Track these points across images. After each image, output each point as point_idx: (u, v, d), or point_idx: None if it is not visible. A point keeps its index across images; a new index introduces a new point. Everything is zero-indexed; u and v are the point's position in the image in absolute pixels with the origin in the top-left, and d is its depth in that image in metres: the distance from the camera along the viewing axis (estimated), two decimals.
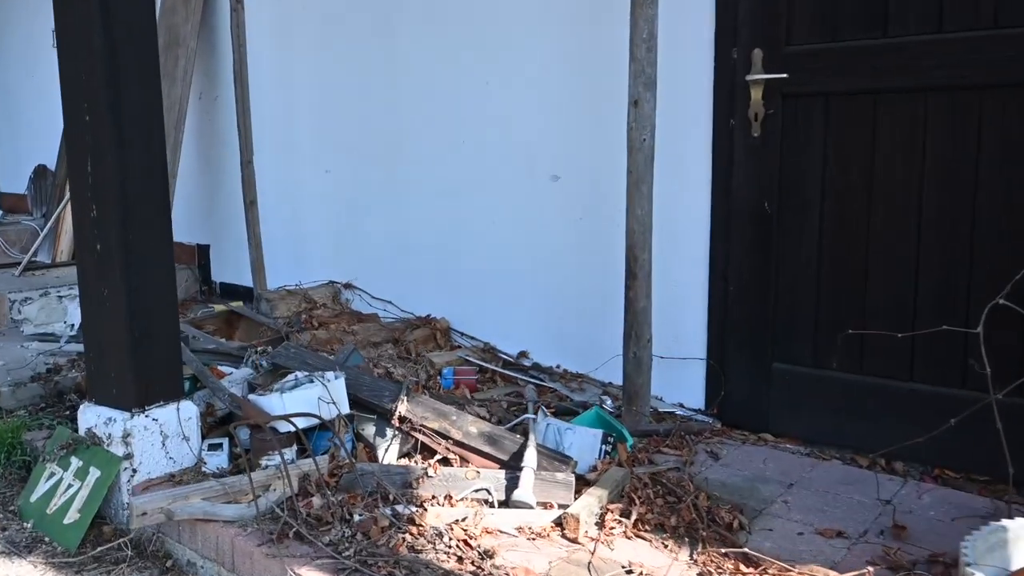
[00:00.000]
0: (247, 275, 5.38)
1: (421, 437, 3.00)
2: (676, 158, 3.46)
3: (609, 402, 3.65)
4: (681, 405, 3.62)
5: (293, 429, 2.91)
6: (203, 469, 3.02)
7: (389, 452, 3.04)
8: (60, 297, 4.49)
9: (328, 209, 5.01)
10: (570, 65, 3.86)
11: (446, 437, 2.97)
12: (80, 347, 4.28)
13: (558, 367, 4.03)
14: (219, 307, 5.24)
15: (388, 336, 4.32)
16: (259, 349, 3.85)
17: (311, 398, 2.95)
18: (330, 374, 3.10)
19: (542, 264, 4.06)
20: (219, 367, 3.70)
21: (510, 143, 4.11)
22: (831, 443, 3.19)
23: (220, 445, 3.14)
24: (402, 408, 3.03)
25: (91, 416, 3.03)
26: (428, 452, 3.03)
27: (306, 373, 3.11)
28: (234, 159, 5.29)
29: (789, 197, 3.22)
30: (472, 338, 4.38)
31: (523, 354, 4.17)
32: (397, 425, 3.01)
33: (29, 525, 3.01)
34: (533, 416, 3.17)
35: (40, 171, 6.67)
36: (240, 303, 5.37)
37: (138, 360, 2.93)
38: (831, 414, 3.19)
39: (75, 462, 3.03)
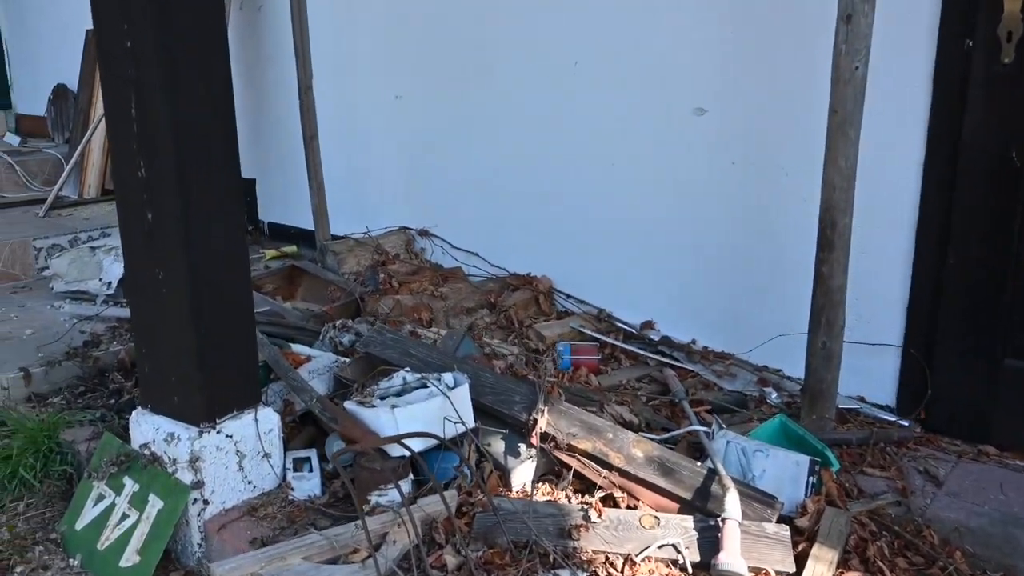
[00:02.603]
0: (300, 215, 4.66)
1: (571, 461, 2.33)
2: (877, 91, 2.65)
3: (774, 395, 2.97)
4: (862, 399, 2.93)
5: (407, 454, 2.25)
6: (290, 496, 2.38)
7: (524, 475, 2.39)
8: (93, 248, 3.82)
9: (398, 142, 4.24)
10: None
11: (604, 463, 2.30)
12: (122, 312, 3.62)
13: (694, 343, 3.33)
14: (270, 253, 4.56)
15: (482, 300, 3.62)
16: (338, 324, 3.17)
17: (430, 414, 2.27)
18: (448, 377, 2.42)
19: (677, 217, 3.32)
20: (291, 347, 3.04)
21: (639, 64, 3.30)
22: None
23: (307, 461, 2.50)
24: (543, 422, 2.35)
25: (147, 428, 2.38)
26: (571, 474, 2.37)
27: (418, 376, 2.43)
28: (284, 82, 4.50)
29: None
30: (581, 302, 3.67)
31: (648, 325, 3.47)
32: (538, 444, 2.34)
33: (76, 562, 2.41)
34: (705, 429, 2.49)
35: (60, 91, 5.91)
36: (294, 247, 4.69)
37: (206, 362, 2.26)
38: None
39: (129, 484, 2.40)
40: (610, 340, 3.38)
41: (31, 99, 6.46)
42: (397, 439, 2.22)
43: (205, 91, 2.13)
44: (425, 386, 2.41)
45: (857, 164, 2.48)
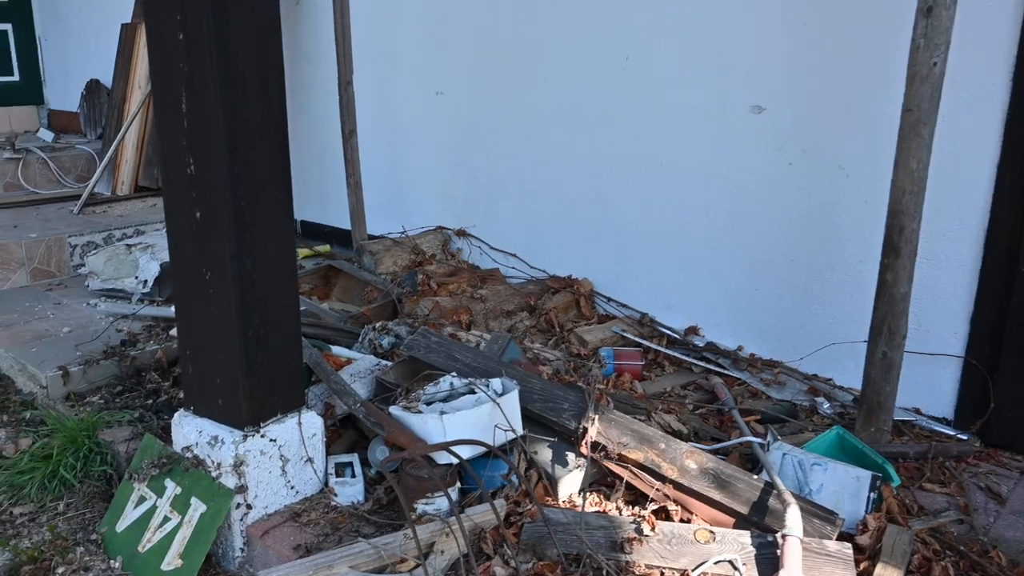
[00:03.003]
0: (335, 213, 4.63)
1: (622, 472, 2.26)
2: (949, 87, 2.55)
3: (826, 405, 2.88)
4: (918, 411, 2.84)
5: (455, 461, 2.19)
6: (333, 502, 2.33)
7: (571, 484, 2.32)
8: (129, 246, 3.79)
9: (437, 139, 4.19)
10: None
11: (656, 474, 2.23)
12: (158, 310, 3.60)
13: (740, 350, 3.25)
14: (303, 251, 4.52)
15: (522, 302, 3.56)
16: (377, 326, 3.12)
17: (479, 421, 2.21)
18: (496, 383, 2.36)
19: (727, 220, 3.24)
20: (331, 349, 2.99)
21: (694, 60, 3.22)
22: None
23: (349, 466, 2.45)
24: (593, 431, 2.29)
25: (190, 431, 2.34)
26: (623, 485, 2.30)
27: (465, 382, 2.37)
28: (321, 77, 4.47)
29: None
30: (623, 305, 3.60)
31: (692, 330, 3.39)
32: (589, 454, 2.28)
33: (117, 564, 2.36)
34: (760, 440, 2.41)
35: (93, 87, 5.91)
36: (327, 246, 4.65)
37: (252, 365, 2.21)
38: None
39: (171, 487, 2.36)
40: (653, 345, 3.31)
41: (63, 94, 6.48)
42: (445, 446, 2.16)
43: (260, 86, 2.08)
44: (473, 392, 2.35)
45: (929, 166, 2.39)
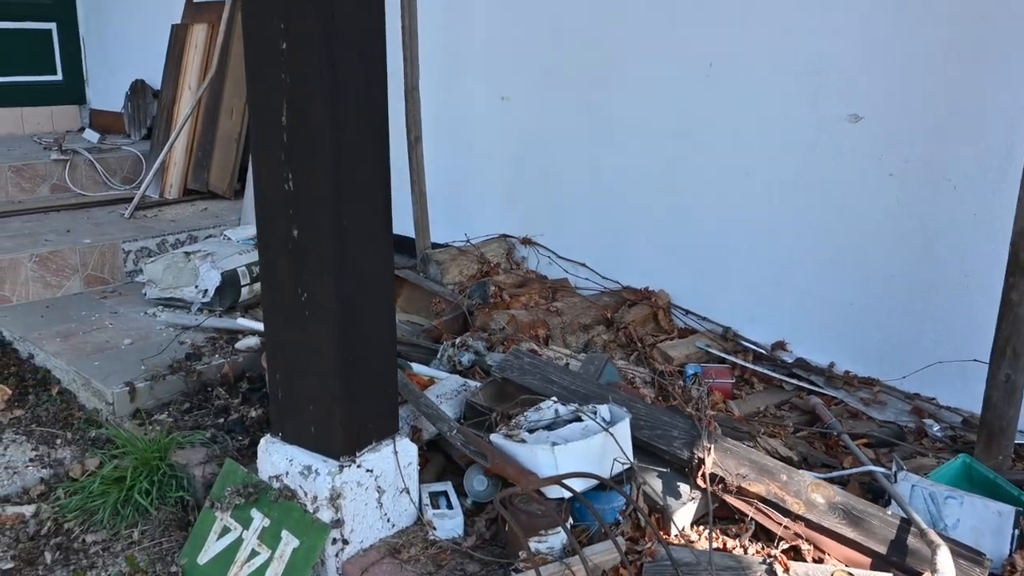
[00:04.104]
0: (397, 222, 4.36)
1: (742, 506, 2.12)
2: None
3: (935, 428, 2.72)
4: None
5: (566, 495, 2.05)
6: (431, 536, 2.20)
7: (684, 518, 2.18)
8: (188, 254, 3.68)
9: (502, 145, 4.05)
10: None
11: (781, 509, 2.08)
12: (221, 322, 3.48)
13: (832, 367, 3.10)
14: None
15: (598, 315, 3.41)
16: (457, 342, 2.99)
17: (592, 451, 2.07)
18: (604, 410, 2.22)
19: (818, 231, 3.08)
20: (411, 367, 2.86)
21: (784, 66, 3.07)
22: None
23: (443, 495, 2.31)
24: (710, 461, 2.14)
25: (279, 459, 2.21)
26: (752, 523, 2.15)
27: (571, 409, 2.23)
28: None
29: None
30: (702, 319, 3.45)
31: (780, 345, 3.24)
32: (708, 487, 2.13)
33: None
34: (883, 470, 2.26)
35: (138, 87, 5.81)
36: None
37: (349, 391, 2.08)
38: None
39: (258, 518, 2.23)
40: (741, 362, 3.16)
41: (105, 94, 6.38)
42: (559, 479, 2.02)
43: (364, 97, 1.95)
44: (579, 419, 2.21)
45: None
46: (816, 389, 2.99)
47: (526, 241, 3.99)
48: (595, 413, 2.19)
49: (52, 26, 6.18)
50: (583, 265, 3.80)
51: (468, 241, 4.00)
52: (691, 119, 3.36)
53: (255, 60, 1.94)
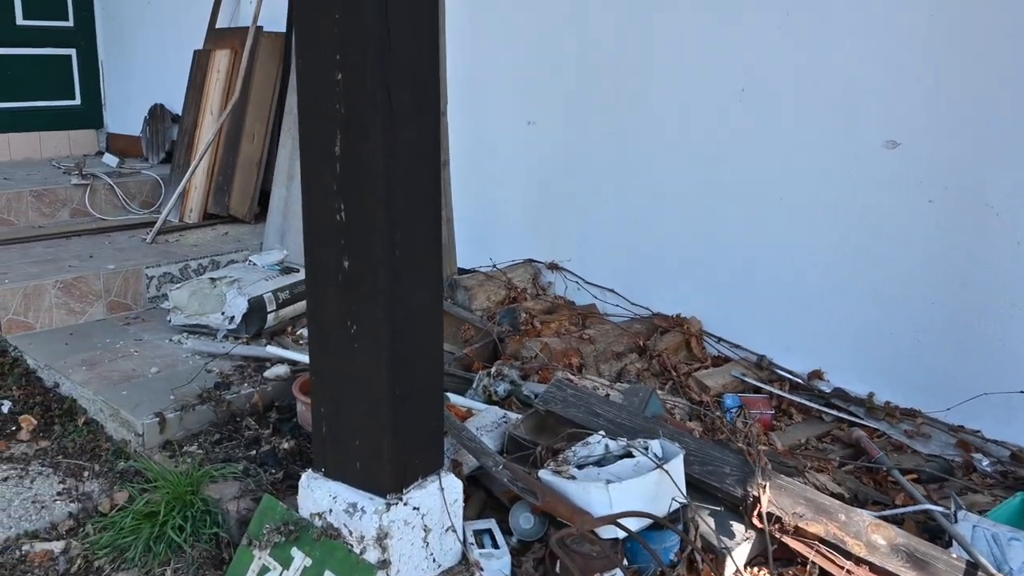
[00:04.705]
0: None
1: (800, 548, 2.06)
2: None
3: (984, 462, 2.67)
4: None
5: (621, 535, 2.00)
6: None
7: (738, 558, 2.12)
8: (213, 280, 3.64)
9: (528, 170, 4.02)
10: None
11: (840, 550, 2.02)
12: (249, 350, 3.43)
13: (872, 397, 3.04)
14: None
15: (631, 343, 3.37)
16: (492, 371, 2.94)
17: (647, 489, 2.02)
18: (656, 445, 2.17)
19: (856, 259, 3.04)
20: (448, 398, 2.81)
21: (818, 91, 3.05)
22: None
23: (487, 533, 2.26)
24: (765, 499, 2.09)
25: (321, 496, 2.16)
26: (816, 569, 2.10)
27: (622, 444, 2.18)
28: None
29: None
30: (735, 346, 3.40)
31: (816, 374, 3.19)
32: (765, 527, 2.07)
33: None
34: (942, 509, 2.20)
35: (156, 111, 5.79)
36: None
37: (398, 425, 2.03)
38: None
39: (299, 557, 2.17)
40: (777, 391, 3.11)
41: (122, 118, 6.37)
42: (614, 519, 1.97)
43: (419, 130, 1.92)
44: (630, 455, 2.16)
45: None
46: (857, 420, 2.94)
47: (553, 266, 3.95)
48: (647, 449, 2.14)
49: (72, 52, 6.19)
50: (611, 291, 3.76)
51: (494, 266, 3.96)
52: (722, 144, 3.33)
53: (309, 90, 1.91)
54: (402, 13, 1.83)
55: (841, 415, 2.98)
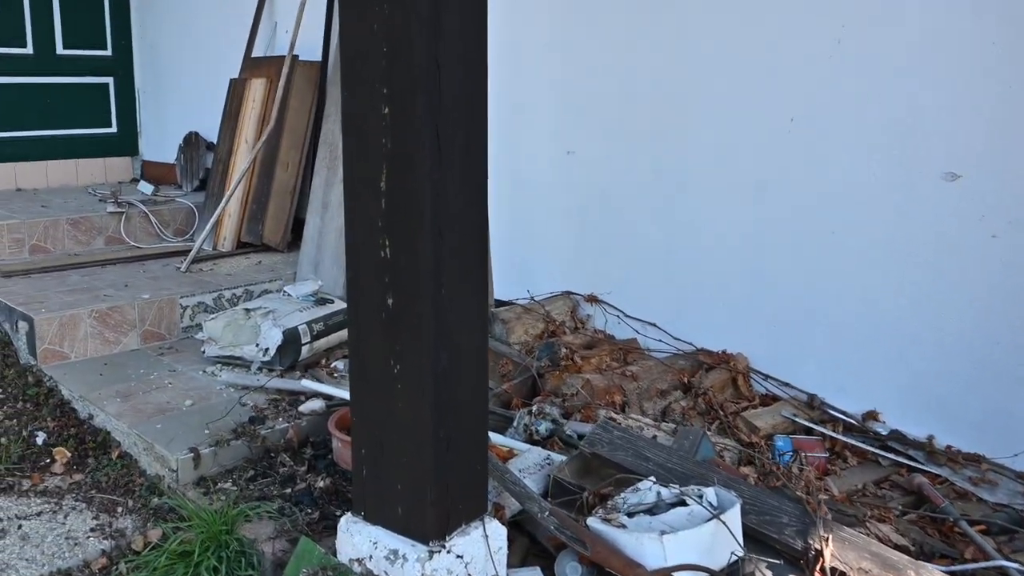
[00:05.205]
0: None
1: None
2: None
3: None
4: None
5: None
6: None
7: None
8: (248, 311, 3.59)
9: (566, 200, 3.95)
10: None
11: None
12: (284, 383, 3.37)
13: (931, 441, 2.91)
14: None
15: (675, 380, 3.27)
16: (534, 410, 2.85)
17: (702, 541, 1.91)
18: (711, 493, 2.06)
19: (913, 295, 2.93)
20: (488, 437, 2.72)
21: (872, 121, 2.96)
22: None
23: None
24: (828, 553, 1.97)
25: (361, 541, 2.07)
26: None
27: (675, 492, 2.08)
28: None
29: None
30: (784, 384, 3.29)
31: (871, 415, 3.06)
32: None
33: None
34: (1018, 567, 2.07)
35: (191, 139, 5.82)
36: None
37: (441, 469, 1.95)
38: None
39: None
40: (831, 432, 2.99)
41: (157, 146, 6.40)
42: (668, 572, 1.86)
43: (467, 166, 1.86)
44: (683, 503, 2.05)
45: None
46: (916, 465, 2.81)
47: (592, 299, 3.86)
48: (701, 497, 2.04)
49: (109, 80, 6.25)
50: (653, 325, 3.66)
51: (532, 298, 3.88)
52: (770, 176, 3.24)
53: (355, 123, 1.86)
54: (452, 48, 1.78)
55: (899, 459, 2.85)
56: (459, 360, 1.94)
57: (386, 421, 2.00)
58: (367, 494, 2.11)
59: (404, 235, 1.84)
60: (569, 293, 3.95)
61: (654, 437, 2.62)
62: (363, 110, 1.83)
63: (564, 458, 2.49)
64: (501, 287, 4.07)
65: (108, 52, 6.26)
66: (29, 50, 5.85)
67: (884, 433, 2.99)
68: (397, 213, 1.83)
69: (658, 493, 2.10)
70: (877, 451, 2.90)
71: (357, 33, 1.80)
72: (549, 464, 2.48)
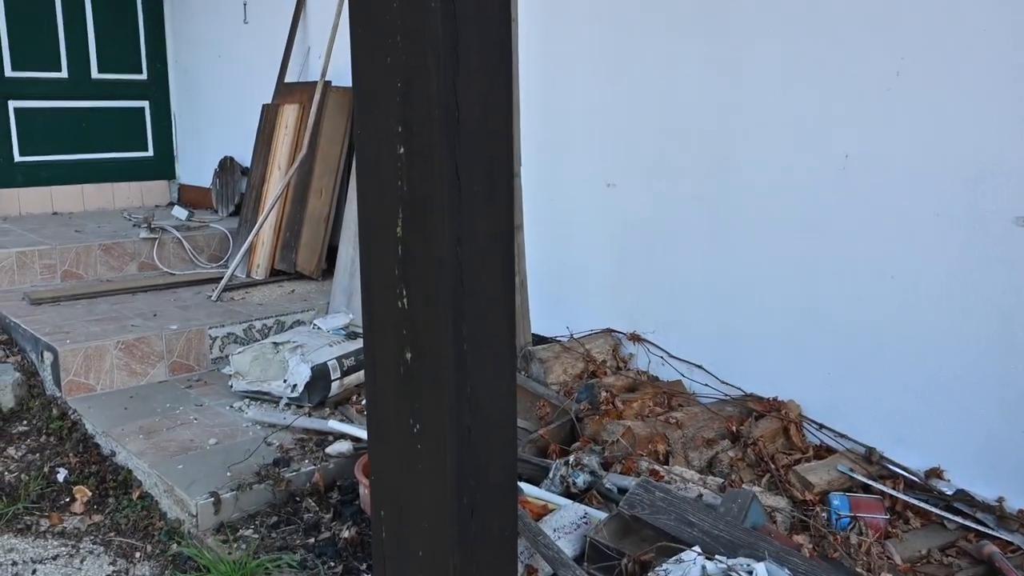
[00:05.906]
0: None
1: None
2: None
3: None
4: None
5: None
6: None
7: None
8: (276, 345, 3.49)
9: (607, 234, 3.78)
10: None
11: None
12: (311, 422, 3.25)
13: (1002, 503, 2.68)
14: None
15: (722, 428, 3.07)
16: (571, 460, 2.68)
17: None
18: (761, 568, 1.87)
19: (983, 346, 2.71)
20: (521, 489, 2.56)
21: (936, 160, 2.75)
22: None
23: None
24: None
25: None
26: None
27: (722, 568, 1.89)
28: None
29: None
30: (840, 435, 3.07)
31: (935, 473, 2.84)
32: None
33: None
34: None
35: (227, 164, 5.77)
36: None
37: (464, 538, 1.78)
38: None
39: None
40: (891, 491, 2.77)
41: (193, 169, 6.39)
42: None
43: (490, 209, 1.69)
44: None
45: None
46: (986, 530, 2.58)
47: (634, 338, 3.69)
48: (751, 573, 1.85)
49: (145, 104, 6.26)
50: (699, 367, 3.47)
51: (571, 336, 3.71)
52: (824, 215, 3.05)
53: (368, 162, 1.71)
54: (472, 81, 1.63)
55: (967, 523, 2.63)
56: (485, 421, 1.78)
57: (406, 483, 1.84)
58: (386, 556, 1.95)
59: (422, 286, 1.68)
60: (611, 331, 3.77)
61: (699, 496, 2.44)
62: (376, 148, 1.68)
63: (603, 515, 2.32)
64: (540, 323, 3.91)
65: (143, 76, 6.27)
66: (64, 74, 5.87)
67: (949, 493, 2.76)
68: (414, 260, 1.68)
69: (703, 568, 1.92)
70: (942, 513, 2.68)
71: (369, 67, 1.67)
72: (586, 523, 2.31)
